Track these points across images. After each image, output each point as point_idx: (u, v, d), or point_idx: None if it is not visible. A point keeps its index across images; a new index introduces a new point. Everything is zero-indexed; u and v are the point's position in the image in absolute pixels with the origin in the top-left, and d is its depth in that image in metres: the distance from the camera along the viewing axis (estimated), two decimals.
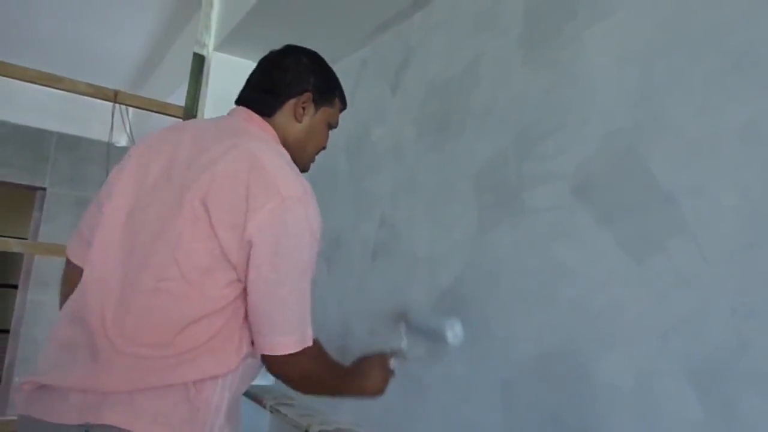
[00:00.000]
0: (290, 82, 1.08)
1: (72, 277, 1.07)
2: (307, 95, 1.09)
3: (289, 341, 0.94)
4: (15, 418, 1.09)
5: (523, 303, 1.22)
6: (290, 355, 0.95)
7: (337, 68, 2.19)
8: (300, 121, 1.08)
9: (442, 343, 1.21)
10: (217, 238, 0.89)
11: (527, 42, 1.34)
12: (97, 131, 4.20)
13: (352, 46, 2.09)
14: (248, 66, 2.24)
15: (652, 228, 1.00)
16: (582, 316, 1.09)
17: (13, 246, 1.90)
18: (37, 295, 4.38)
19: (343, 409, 1.78)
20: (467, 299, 1.38)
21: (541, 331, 1.17)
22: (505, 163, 1.34)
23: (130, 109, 2.34)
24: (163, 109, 2.31)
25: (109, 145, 2.48)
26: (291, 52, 1.13)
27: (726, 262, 0.89)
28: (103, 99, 2.16)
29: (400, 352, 1.19)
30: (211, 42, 2.24)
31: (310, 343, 0.97)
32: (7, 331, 5.04)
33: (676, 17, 1.03)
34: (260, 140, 1.00)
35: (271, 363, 0.96)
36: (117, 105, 2.22)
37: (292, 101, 1.08)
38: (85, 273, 0.97)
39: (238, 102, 1.11)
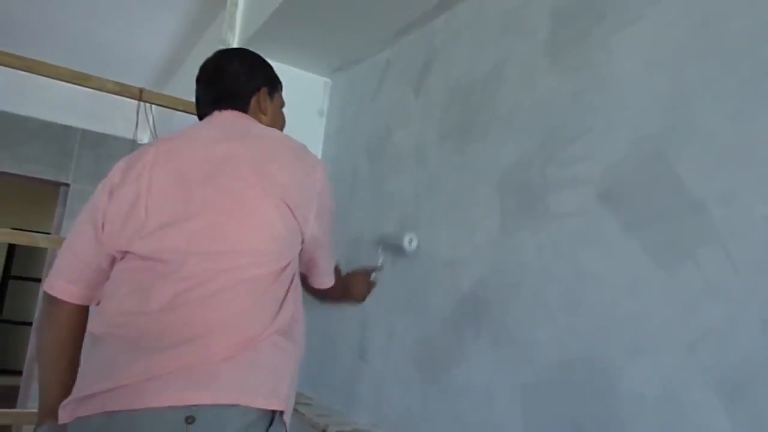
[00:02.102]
0: (245, 84, 1.23)
1: (64, 318, 1.09)
2: (264, 90, 1.25)
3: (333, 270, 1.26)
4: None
5: (546, 309, 1.21)
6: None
7: (360, 69, 2.21)
8: (266, 114, 1.25)
9: (402, 251, 1.59)
10: (293, 215, 1.05)
11: (554, 45, 1.33)
12: (120, 128, 4.26)
13: (375, 47, 2.09)
14: (273, 67, 2.27)
15: (681, 236, 0.99)
16: (607, 323, 1.08)
17: (40, 241, 1.93)
18: None
19: (361, 410, 1.78)
20: (489, 304, 1.37)
21: (565, 338, 1.16)
22: (530, 167, 1.33)
23: (154, 106, 2.37)
24: (187, 107, 2.33)
25: (134, 143, 2.51)
26: (230, 57, 1.27)
27: (757, 272, 0.88)
28: (128, 97, 2.19)
29: (378, 268, 1.54)
30: (235, 42, 2.26)
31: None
32: (30, 324, 5.14)
33: (708, 22, 1.01)
34: (271, 130, 1.20)
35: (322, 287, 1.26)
36: (142, 103, 2.24)
37: (253, 99, 1.23)
38: (155, 271, 0.99)
39: (212, 110, 1.21)
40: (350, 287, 1.47)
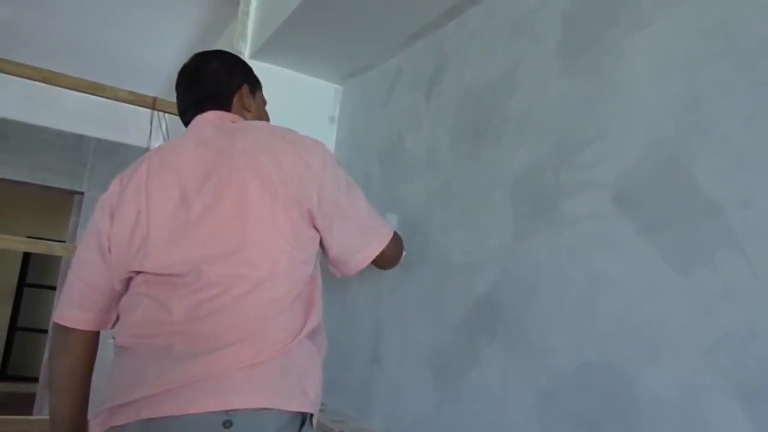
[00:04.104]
0: (226, 83, 1.21)
1: (79, 346, 1.08)
2: (245, 87, 1.24)
3: (379, 245, 1.20)
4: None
5: (562, 313, 1.21)
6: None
7: (371, 75, 2.22)
8: (250, 110, 1.24)
9: None
10: (294, 201, 1.02)
11: (566, 50, 1.33)
12: (133, 137, 4.31)
13: (386, 54, 2.10)
14: (283, 73, 2.31)
15: (698, 239, 0.98)
16: (623, 327, 1.07)
17: (57, 250, 1.95)
18: None
19: (375, 416, 1.78)
20: (503, 308, 1.36)
21: (581, 342, 1.15)
22: (543, 172, 1.32)
23: (167, 115, 2.39)
24: None
25: (147, 151, 2.53)
26: (208, 58, 1.24)
27: None
28: (142, 106, 2.21)
29: None
30: (246, 50, 2.28)
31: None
32: (45, 331, 5.18)
33: (723, 25, 1.01)
34: (257, 122, 1.20)
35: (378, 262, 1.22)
36: (155, 111, 2.26)
37: (235, 97, 1.22)
38: (183, 286, 0.99)
39: (195, 113, 1.19)
40: None
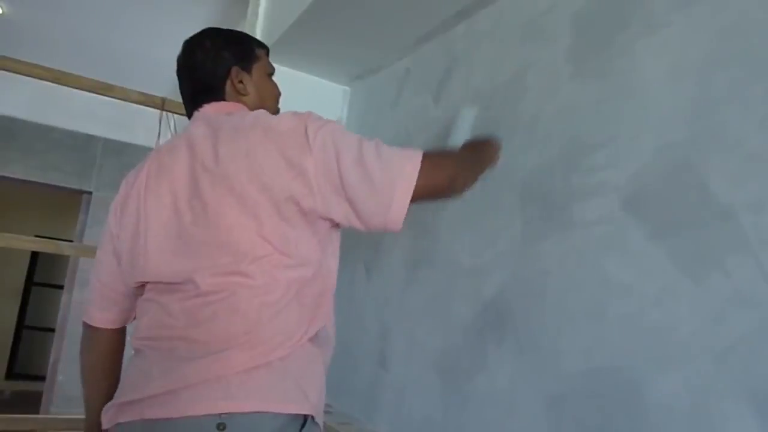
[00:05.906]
0: (213, 72, 1.14)
1: (102, 343, 1.17)
2: (235, 69, 1.14)
3: (411, 177, 1.02)
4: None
5: (571, 317, 1.20)
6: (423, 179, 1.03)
7: (380, 77, 2.22)
8: (247, 93, 1.14)
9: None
10: (287, 205, 0.98)
11: (576, 53, 1.33)
12: (141, 137, 4.33)
13: (394, 56, 2.09)
14: (292, 75, 2.31)
15: (709, 244, 0.97)
16: (633, 332, 1.07)
17: (65, 249, 1.96)
18: (82, 295, 4.53)
19: (381, 418, 1.77)
20: (512, 312, 1.36)
21: (590, 347, 1.14)
22: (553, 175, 1.32)
23: (175, 115, 2.40)
24: None
25: None
26: (192, 48, 1.17)
27: None
28: (151, 106, 2.22)
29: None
30: None
31: (420, 158, 1.03)
32: (52, 330, 5.21)
33: (735, 28, 1.00)
34: (244, 114, 1.09)
35: (425, 193, 1.05)
36: (164, 112, 2.27)
37: (227, 85, 1.14)
38: (184, 290, 1.00)
39: (193, 108, 1.16)
40: (483, 151, 1.25)
